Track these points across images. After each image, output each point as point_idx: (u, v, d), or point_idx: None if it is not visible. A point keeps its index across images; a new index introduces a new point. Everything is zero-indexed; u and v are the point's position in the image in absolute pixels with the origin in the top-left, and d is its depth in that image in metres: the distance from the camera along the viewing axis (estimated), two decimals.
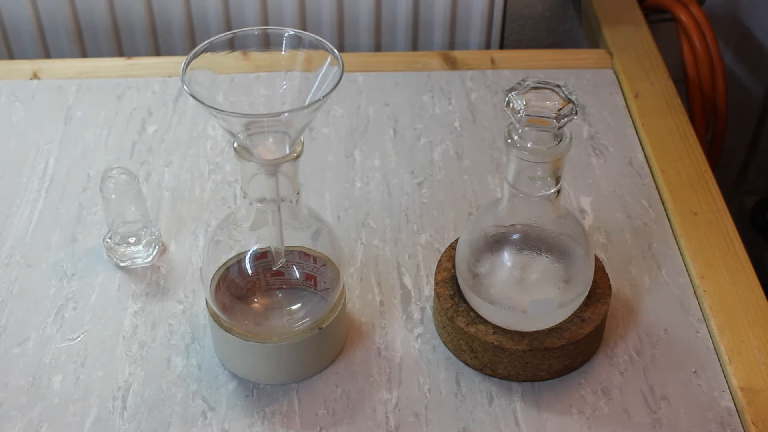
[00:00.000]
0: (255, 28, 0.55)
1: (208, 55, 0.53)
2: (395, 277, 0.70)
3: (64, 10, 0.98)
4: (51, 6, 0.98)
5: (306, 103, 0.53)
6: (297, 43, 0.55)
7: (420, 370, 0.63)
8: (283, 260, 0.60)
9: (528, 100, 0.55)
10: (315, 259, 0.62)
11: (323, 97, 0.51)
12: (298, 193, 0.57)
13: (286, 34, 0.55)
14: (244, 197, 0.57)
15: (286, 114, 0.52)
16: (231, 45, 0.55)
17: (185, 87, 0.51)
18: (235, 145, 0.54)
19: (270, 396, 0.62)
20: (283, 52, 0.55)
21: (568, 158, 0.60)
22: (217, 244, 0.61)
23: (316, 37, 0.54)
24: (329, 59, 0.54)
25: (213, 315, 0.62)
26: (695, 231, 0.73)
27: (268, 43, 0.55)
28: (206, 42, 0.53)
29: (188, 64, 0.53)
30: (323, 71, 0.54)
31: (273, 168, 0.54)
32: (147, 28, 1.00)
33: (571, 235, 0.61)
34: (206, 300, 0.62)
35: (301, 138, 0.54)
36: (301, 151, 0.54)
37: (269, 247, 0.60)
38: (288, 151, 0.54)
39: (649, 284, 0.69)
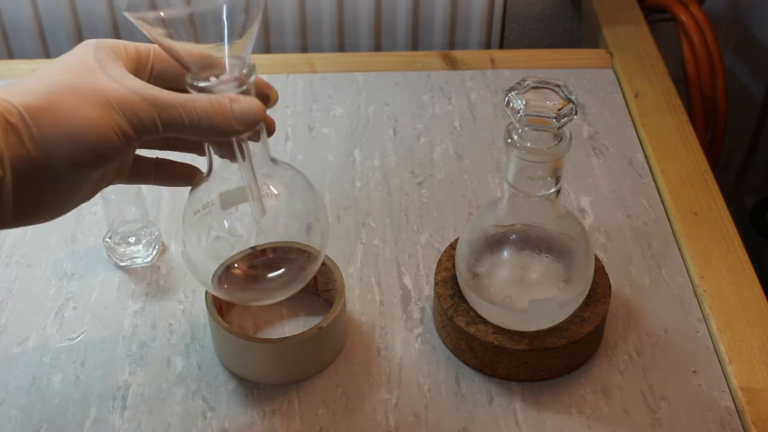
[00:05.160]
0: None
1: None
2: (395, 276, 0.70)
3: (64, 10, 0.98)
4: (51, 6, 0.98)
5: None
6: None
7: (420, 370, 0.63)
8: (264, 214, 0.53)
9: (528, 100, 0.55)
10: (311, 256, 0.62)
11: None
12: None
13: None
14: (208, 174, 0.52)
15: None
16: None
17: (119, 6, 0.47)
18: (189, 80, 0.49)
19: (270, 396, 0.62)
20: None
21: (568, 158, 0.60)
22: (216, 240, 0.61)
23: None
24: None
25: (213, 315, 0.62)
26: (695, 231, 0.73)
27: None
28: None
29: None
30: None
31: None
32: None
33: (571, 235, 0.61)
34: (206, 299, 0.62)
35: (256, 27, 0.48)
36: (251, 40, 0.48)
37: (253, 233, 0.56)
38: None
39: (649, 284, 0.69)
